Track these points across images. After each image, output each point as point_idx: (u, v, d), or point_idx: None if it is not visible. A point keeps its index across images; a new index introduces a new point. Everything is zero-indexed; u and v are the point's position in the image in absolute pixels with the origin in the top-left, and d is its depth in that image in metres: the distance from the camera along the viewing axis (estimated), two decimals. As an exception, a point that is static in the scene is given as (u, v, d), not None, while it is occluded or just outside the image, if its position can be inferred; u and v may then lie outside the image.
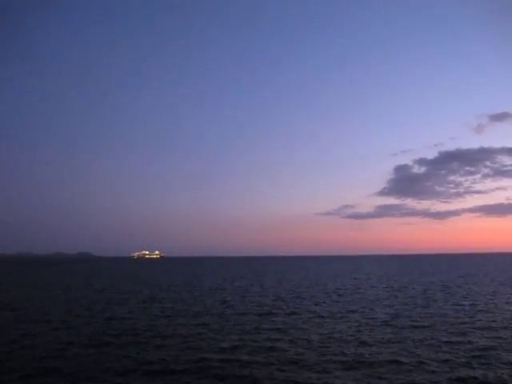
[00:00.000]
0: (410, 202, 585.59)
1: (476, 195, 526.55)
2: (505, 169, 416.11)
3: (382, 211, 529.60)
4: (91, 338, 18.83)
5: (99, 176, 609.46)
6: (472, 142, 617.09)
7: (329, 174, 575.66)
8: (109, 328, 21.20)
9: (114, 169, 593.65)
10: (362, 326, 21.44)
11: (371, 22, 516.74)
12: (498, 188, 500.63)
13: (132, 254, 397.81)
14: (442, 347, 16.80)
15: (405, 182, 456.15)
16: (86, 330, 20.83)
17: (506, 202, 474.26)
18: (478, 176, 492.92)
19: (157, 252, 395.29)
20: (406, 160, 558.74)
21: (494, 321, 22.88)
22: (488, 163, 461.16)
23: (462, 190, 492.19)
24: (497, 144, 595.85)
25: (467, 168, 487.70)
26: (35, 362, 14.90)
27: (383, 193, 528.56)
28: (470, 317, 24.14)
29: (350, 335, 19.24)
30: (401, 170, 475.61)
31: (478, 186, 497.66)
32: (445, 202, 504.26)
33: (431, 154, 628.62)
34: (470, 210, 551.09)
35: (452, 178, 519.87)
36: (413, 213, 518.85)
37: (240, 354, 15.99)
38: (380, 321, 23.02)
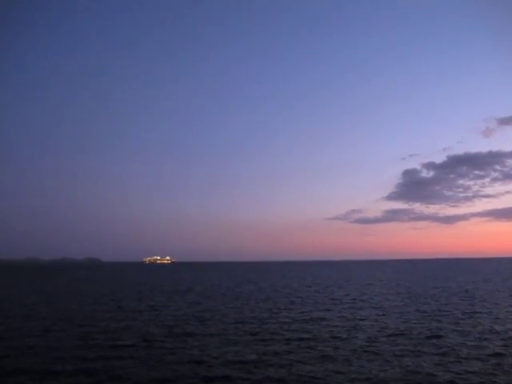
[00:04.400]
0: (419, 207, 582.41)
1: (485, 199, 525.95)
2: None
3: (390, 216, 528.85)
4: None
5: (108, 181, 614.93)
6: (481, 146, 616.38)
7: (337, 179, 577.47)
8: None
9: (124, 174, 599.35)
10: (374, 337, 21.27)
11: (379, 30, 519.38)
12: (507, 192, 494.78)
13: (143, 260, 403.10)
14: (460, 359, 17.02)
15: (413, 187, 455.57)
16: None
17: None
18: (487, 180, 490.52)
19: (168, 257, 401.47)
20: (415, 164, 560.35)
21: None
22: (497, 167, 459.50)
23: (470, 194, 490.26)
24: (506, 148, 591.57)
25: (476, 172, 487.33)
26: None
27: (391, 197, 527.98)
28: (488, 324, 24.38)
29: (361, 346, 19.01)
30: (409, 174, 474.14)
31: (487, 190, 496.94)
32: (453, 206, 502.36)
33: (439, 158, 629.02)
34: (479, 215, 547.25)
35: (461, 182, 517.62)
36: (421, 217, 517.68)
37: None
38: (393, 331, 22.97)
